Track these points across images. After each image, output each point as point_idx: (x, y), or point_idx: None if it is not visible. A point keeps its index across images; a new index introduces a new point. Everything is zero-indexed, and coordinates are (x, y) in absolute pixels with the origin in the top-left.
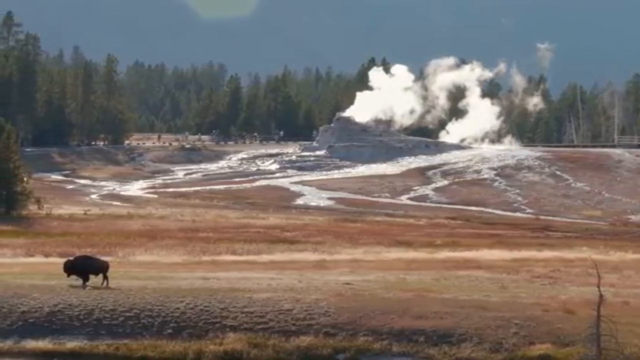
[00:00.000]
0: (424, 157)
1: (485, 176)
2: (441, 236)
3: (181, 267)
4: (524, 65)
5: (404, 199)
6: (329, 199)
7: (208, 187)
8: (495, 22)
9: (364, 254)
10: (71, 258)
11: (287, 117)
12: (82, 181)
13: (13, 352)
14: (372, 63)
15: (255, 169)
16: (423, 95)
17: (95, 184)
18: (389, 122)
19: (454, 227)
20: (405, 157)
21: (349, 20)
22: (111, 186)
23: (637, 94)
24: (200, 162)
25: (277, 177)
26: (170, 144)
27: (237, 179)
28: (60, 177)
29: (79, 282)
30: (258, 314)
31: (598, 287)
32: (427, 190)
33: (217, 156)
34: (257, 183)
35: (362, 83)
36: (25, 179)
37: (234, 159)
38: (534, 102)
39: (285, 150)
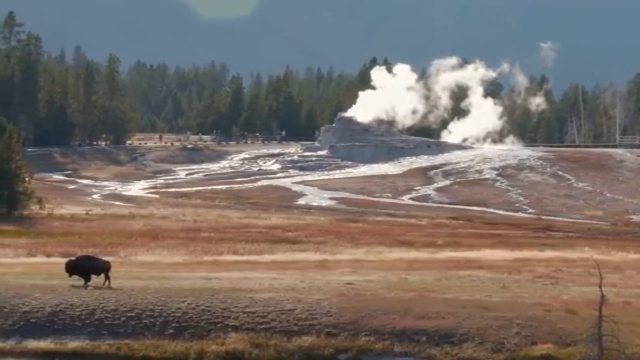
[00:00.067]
0: (425, 157)
1: (487, 176)
2: (443, 236)
3: (183, 267)
4: (526, 65)
5: (405, 199)
6: (331, 199)
7: (210, 187)
8: (497, 22)
9: (366, 254)
10: (73, 258)
11: (288, 117)
12: (84, 181)
13: (15, 352)
14: (373, 63)
15: (257, 169)
16: (425, 95)
17: (97, 184)
18: (391, 122)
19: (455, 227)
20: (407, 157)
21: (350, 20)
22: (113, 186)
23: (639, 94)
24: (202, 162)
25: (278, 177)
26: (172, 144)
27: (238, 179)
28: (62, 177)
29: (81, 282)
30: (260, 314)
31: (600, 287)
32: (428, 190)
33: (219, 156)
34: (259, 183)
35: (364, 83)
36: (27, 179)
37: (236, 159)
38: (537, 102)
39: (287, 150)
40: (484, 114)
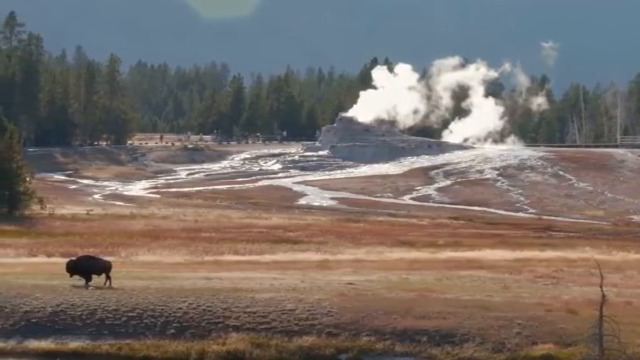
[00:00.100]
0: (426, 157)
1: (488, 176)
2: (444, 236)
3: (184, 267)
4: (527, 65)
5: (406, 199)
6: (332, 199)
7: (210, 187)
8: (497, 22)
9: (367, 254)
10: (74, 258)
11: (289, 117)
12: (85, 181)
13: (16, 352)
14: (374, 63)
15: (257, 169)
16: (427, 94)
17: (98, 184)
18: (392, 122)
19: (456, 227)
20: (408, 157)
21: (351, 20)
22: (114, 186)
23: None
24: (202, 162)
25: (279, 177)
26: (173, 144)
27: (239, 179)
28: (62, 177)
29: (82, 282)
30: (261, 314)
31: (601, 287)
32: (429, 190)
33: (220, 156)
34: (260, 183)
35: (365, 83)
36: (27, 179)
37: (237, 159)
38: (538, 102)
39: (287, 150)
40: (485, 113)
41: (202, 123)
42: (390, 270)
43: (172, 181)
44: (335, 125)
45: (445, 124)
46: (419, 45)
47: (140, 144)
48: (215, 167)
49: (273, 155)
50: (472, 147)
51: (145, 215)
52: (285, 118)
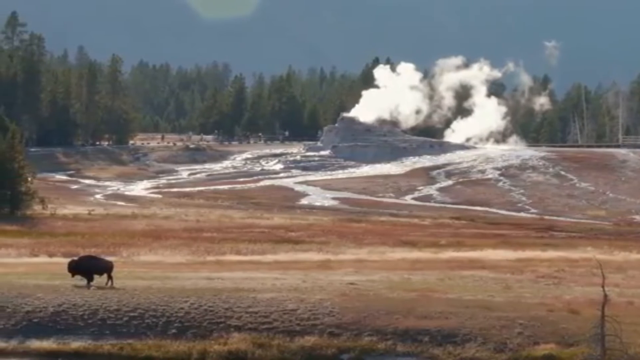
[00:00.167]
0: (428, 157)
1: (490, 176)
2: (445, 236)
3: (185, 267)
4: (529, 65)
5: (408, 199)
6: (334, 199)
7: (212, 187)
8: (498, 22)
9: (369, 254)
10: (75, 258)
11: (291, 117)
12: (87, 181)
13: (17, 352)
14: (376, 63)
15: (259, 169)
16: (429, 94)
17: (100, 184)
18: (394, 122)
19: (458, 227)
20: (410, 157)
21: (353, 19)
22: (115, 186)
23: None
24: (204, 162)
25: (281, 177)
26: (175, 144)
27: (241, 179)
28: (64, 177)
29: (83, 282)
30: (262, 314)
31: (602, 287)
32: (431, 190)
33: (222, 156)
34: (262, 183)
35: (366, 83)
36: (29, 179)
37: (238, 159)
38: (541, 102)
39: (289, 150)
40: (488, 113)
41: (203, 123)
42: (392, 270)
43: (173, 181)
44: (337, 125)
45: (447, 124)
46: (421, 46)
47: (142, 144)
48: (216, 167)
49: (275, 155)
50: (474, 147)
51: (147, 215)
52: (287, 118)
